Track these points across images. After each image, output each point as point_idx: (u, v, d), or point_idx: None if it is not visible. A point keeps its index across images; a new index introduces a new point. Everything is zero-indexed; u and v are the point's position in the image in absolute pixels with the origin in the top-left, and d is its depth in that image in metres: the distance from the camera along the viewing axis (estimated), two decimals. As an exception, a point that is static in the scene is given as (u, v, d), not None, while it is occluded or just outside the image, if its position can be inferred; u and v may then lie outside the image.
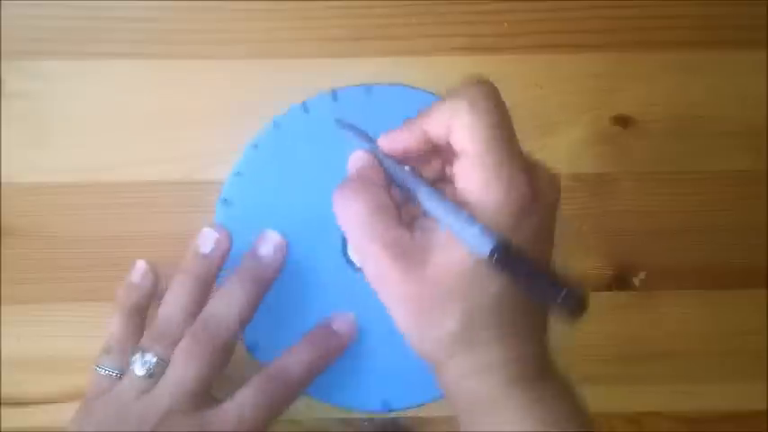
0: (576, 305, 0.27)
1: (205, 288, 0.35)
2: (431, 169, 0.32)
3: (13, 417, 0.39)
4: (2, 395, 0.39)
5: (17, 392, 0.40)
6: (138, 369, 0.33)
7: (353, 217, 0.30)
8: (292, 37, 0.40)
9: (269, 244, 0.36)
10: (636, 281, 0.40)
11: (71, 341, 0.40)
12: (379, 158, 0.32)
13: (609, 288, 0.40)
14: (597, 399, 0.40)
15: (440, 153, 0.31)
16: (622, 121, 0.40)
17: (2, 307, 0.39)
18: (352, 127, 0.34)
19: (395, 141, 0.31)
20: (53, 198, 0.39)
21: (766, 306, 0.40)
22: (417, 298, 0.29)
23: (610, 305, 0.40)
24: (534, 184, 0.29)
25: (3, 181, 0.39)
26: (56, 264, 0.40)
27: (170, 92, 0.39)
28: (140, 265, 0.37)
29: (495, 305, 0.29)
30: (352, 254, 0.37)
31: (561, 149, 0.40)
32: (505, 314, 0.29)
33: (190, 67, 0.39)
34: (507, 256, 0.28)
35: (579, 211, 0.40)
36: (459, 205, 0.29)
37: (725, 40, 0.40)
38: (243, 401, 0.33)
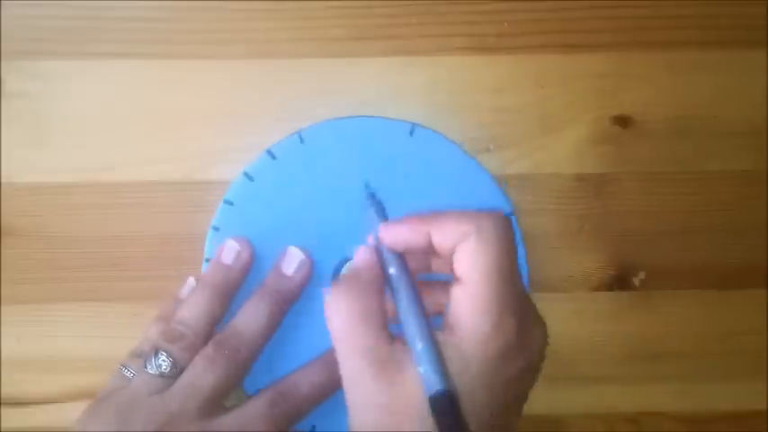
0: None
1: (224, 298, 0.36)
2: (426, 262, 0.33)
3: (13, 417, 0.39)
4: (2, 395, 0.39)
5: (17, 392, 0.40)
6: (151, 368, 0.33)
7: (337, 317, 0.30)
8: (292, 37, 0.39)
9: (293, 261, 0.36)
10: (636, 281, 0.40)
11: (71, 341, 0.40)
12: (379, 247, 0.32)
13: (609, 288, 0.40)
14: (597, 399, 0.41)
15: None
16: (623, 121, 0.40)
17: (2, 307, 0.39)
18: (375, 200, 0.34)
19: (396, 235, 0.31)
20: (53, 198, 0.39)
21: (766, 306, 0.40)
22: (383, 409, 0.29)
23: (610, 305, 0.40)
24: (523, 332, 0.29)
25: (3, 181, 0.39)
26: (56, 264, 0.40)
27: (170, 92, 0.39)
28: (191, 281, 0.38)
29: None
30: None
31: (562, 149, 0.40)
32: None
33: (190, 67, 0.39)
34: (441, 408, 0.27)
35: (580, 210, 0.40)
36: (427, 331, 0.29)
37: (726, 41, 0.40)
38: (252, 413, 0.34)
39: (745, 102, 0.40)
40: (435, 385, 0.28)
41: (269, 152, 0.37)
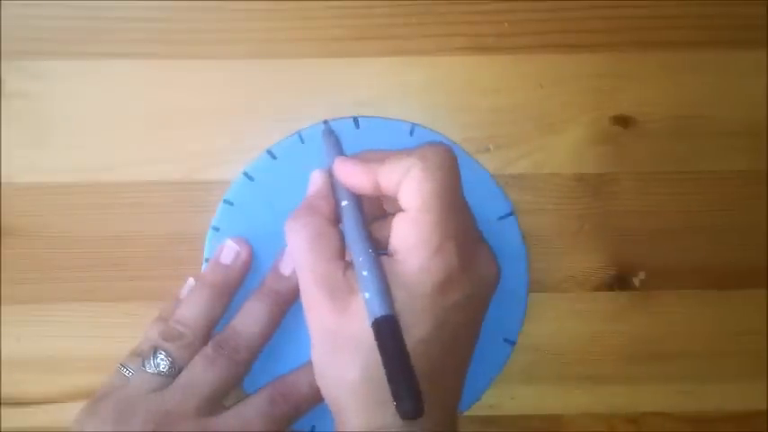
0: (410, 411, 0.27)
1: (223, 298, 0.36)
2: (375, 205, 0.33)
3: (13, 417, 0.39)
4: (2, 395, 0.39)
5: (17, 392, 0.40)
6: (150, 367, 0.33)
7: (294, 244, 0.32)
8: (292, 37, 0.39)
9: (292, 262, 0.36)
10: (636, 281, 0.40)
11: (71, 341, 0.40)
12: (333, 180, 0.33)
13: (609, 288, 0.40)
14: (597, 399, 0.40)
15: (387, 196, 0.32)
16: (623, 121, 0.40)
17: (2, 307, 0.39)
18: (330, 136, 0.36)
19: (347, 176, 0.32)
20: (53, 198, 0.39)
21: (766, 306, 0.40)
22: (332, 335, 0.30)
23: (610, 305, 0.40)
24: (466, 257, 0.30)
25: (3, 181, 0.39)
26: (56, 264, 0.39)
27: (170, 92, 0.39)
28: (191, 281, 0.37)
29: None
30: None
31: (561, 149, 0.40)
32: None
33: (190, 67, 0.39)
34: (383, 332, 0.28)
35: (580, 210, 0.40)
36: (372, 258, 0.30)
37: (725, 40, 0.40)
38: (251, 412, 0.34)
39: (745, 102, 0.40)
40: (378, 310, 0.28)
41: (269, 152, 0.37)
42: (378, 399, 0.28)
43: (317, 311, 0.30)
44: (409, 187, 0.29)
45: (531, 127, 0.40)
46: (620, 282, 0.40)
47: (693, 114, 0.40)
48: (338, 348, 0.30)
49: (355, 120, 0.38)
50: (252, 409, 0.34)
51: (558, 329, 0.40)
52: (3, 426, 0.39)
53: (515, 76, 0.40)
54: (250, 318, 0.35)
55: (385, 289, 0.29)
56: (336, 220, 0.33)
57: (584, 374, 0.40)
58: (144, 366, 0.33)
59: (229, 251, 0.36)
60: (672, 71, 0.40)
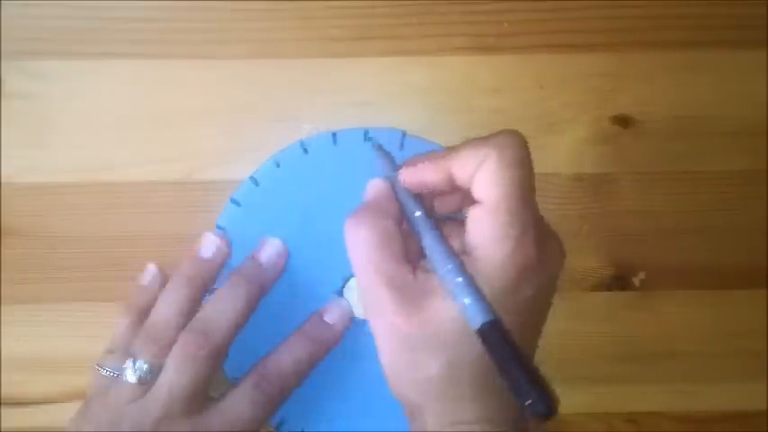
0: (544, 411, 0.27)
1: (200, 292, 0.35)
2: (448, 203, 0.33)
3: (13, 417, 0.39)
4: (2, 395, 0.39)
5: (17, 392, 0.40)
6: (130, 376, 0.33)
7: (359, 245, 0.31)
8: (292, 37, 0.39)
9: (270, 250, 0.36)
10: (636, 281, 0.40)
11: (71, 341, 0.40)
12: (396, 189, 0.32)
13: (609, 288, 0.40)
14: (597, 399, 0.41)
15: (460, 190, 0.31)
16: (623, 121, 0.40)
17: (2, 307, 0.39)
18: (381, 150, 0.35)
19: (416, 174, 0.31)
20: (53, 198, 0.39)
21: (766, 306, 0.40)
22: (407, 336, 0.29)
23: (610, 305, 0.40)
24: (541, 248, 0.29)
25: (3, 181, 0.39)
26: (56, 264, 0.40)
27: (170, 92, 0.39)
28: (151, 268, 0.37)
29: (479, 363, 0.29)
30: (348, 295, 0.37)
31: (561, 149, 0.40)
32: (489, 375, 0.28)
33: (190, 67, 0.39)
34: (492, 337, 0.28)
35: (580, 211, 0.40)
36: (460, 264, 0.29)
37: (725, 40, 0.40)
38: (239, 399, 0.33)
39: (745, 102, 0.40)
40: (481, 317, 0.28)
41: (301, 144, 0.37)
42: (455, 395, 0.28)
43: (386, 312, 0.30)
44: (485, 178, 0.29)
45: (531, 127, 0.40)
46: (619, 282, 0.40)
47: (693, 114, 0.40)
48: (414, 349, 0.29)
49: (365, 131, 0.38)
50: (238, 397, 0.33)
51: (557, 329, 0.40)
52: (3, 426, 0.39)
53: (515, 76, 0.40)
54: (222, 304, 0.34)
55: (481, 294, 0.28)
56: (401, 223, 0.32)
57: (582, 374, 0.40)
58: (124, 374, 0.33)
59: (209, 244, 0.36)
60: (672, 71, 0.40)
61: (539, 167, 0.39)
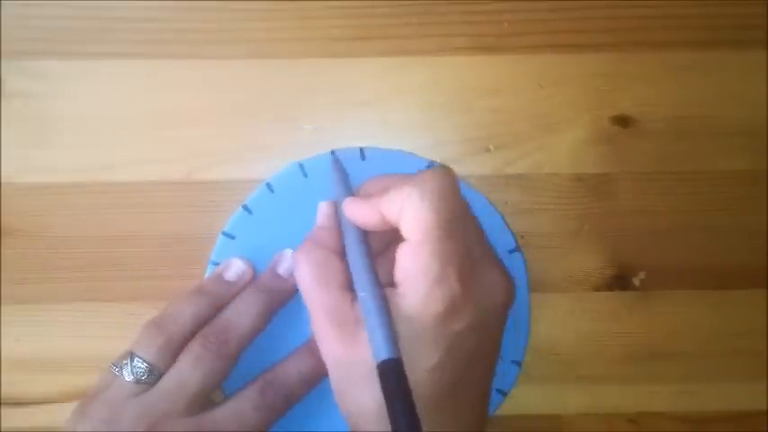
0: None
1: (214, 308, 0.35)
2: (382, 239, 0.33)
3: (12, 417, 0.39)
4: (2, 395, 0.39)
5: (17, 392, 0.40)
6: (127, 374, 0.33)
7: (300, 279, 0.32)
8: (292, 37, 0.39)
9: (287, 264, 0.36)
10: (636, 281, 0.40)
11: (71, 341, 0.40)
12: (339, 214, 0.33)
13: (609, 288, 0.40)
14: (597, 399, 0.40)
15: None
16: (622, 121, 0.40)
17: (2, 307, 0.39)
18: (338, 167, 0.36)
19: (355, 213, 0.32)
20: (53, 198, 0.39)
21: (766, 306, 0.40)
22: (344, 365, 0.30)
23: (610, 305, 0.40)
24: (471, 281, 0.29)
25: (3, 181, 0.39)
26: (56, 264, 0.39)
27: (170, 92, 0.39)
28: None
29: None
30: None
31: (561, 149, 0.40)
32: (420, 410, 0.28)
33: (190, 67, 0.39)
34: (387, 375, 0.28)
35: (580, 211, 0.40)
36: (379, 297, 0.29)
37: (726, 41, 0.40)
38: (243, 404, 0.34)
39: (745, 102, 0.40)
40: (381, 354, 0.28)
41: (300, 165, 0.37)
42: (388, 427, 0.28)
43: (327, 342, 0.30)
44: (407, 216, 0.29)
45: (530, 127, 0.40)
46: (619, 282, 0.40)
47: (694, 114, 0.40)
48: (351, 378, 0.30)
49: (361, 151, 0.38)
50: (243, 401, 0.34)
51: (557, 329, 0.40)
52: (3, 426, 0.39)
53: (515, 76, 0.40)
54: (241, 309, 0.35)
55: (388, 329, 0.28)
56: (342, 251, 0.33)
57: (583, 374, 0.40)
58: (121, 372, 0.33)
59: (236, 270, 0.36)
60: (672, 71, 0.40)
61: (539, 167, 0.40)
